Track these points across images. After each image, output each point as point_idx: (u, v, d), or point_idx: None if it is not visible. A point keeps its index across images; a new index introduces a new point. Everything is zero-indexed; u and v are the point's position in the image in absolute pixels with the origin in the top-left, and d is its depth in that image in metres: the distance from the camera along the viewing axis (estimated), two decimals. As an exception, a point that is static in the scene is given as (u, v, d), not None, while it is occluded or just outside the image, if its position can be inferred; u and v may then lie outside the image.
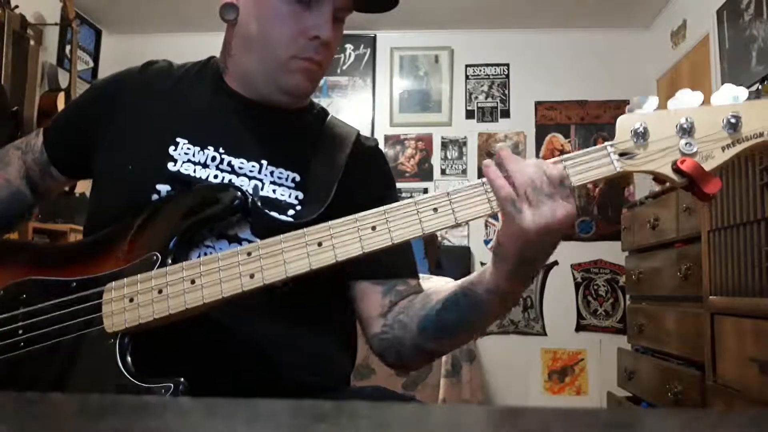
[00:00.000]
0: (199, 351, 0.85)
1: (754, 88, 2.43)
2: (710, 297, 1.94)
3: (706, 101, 0.76)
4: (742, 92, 0.75)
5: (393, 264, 0.95)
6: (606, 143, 0.76)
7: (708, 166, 0.74)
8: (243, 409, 0.35)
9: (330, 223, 0.78)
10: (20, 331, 0.85)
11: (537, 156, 3.84)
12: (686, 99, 0.77)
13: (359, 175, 0.98)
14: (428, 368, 2.48)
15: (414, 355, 0.92)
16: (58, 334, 0.83)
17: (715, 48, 2.96)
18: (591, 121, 3.86)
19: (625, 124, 0.76)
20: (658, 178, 0.76)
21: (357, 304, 0.97)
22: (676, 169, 0.74)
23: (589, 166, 0.76)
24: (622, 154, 0.76)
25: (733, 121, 0.74)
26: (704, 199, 0.75)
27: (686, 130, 0.74)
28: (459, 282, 0.86)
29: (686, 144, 0.74)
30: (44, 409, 0.35)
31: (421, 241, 3.19)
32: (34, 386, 0.83)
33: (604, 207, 3.76)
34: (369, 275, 0.95)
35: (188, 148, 0.93)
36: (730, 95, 0.75)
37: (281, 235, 0.78)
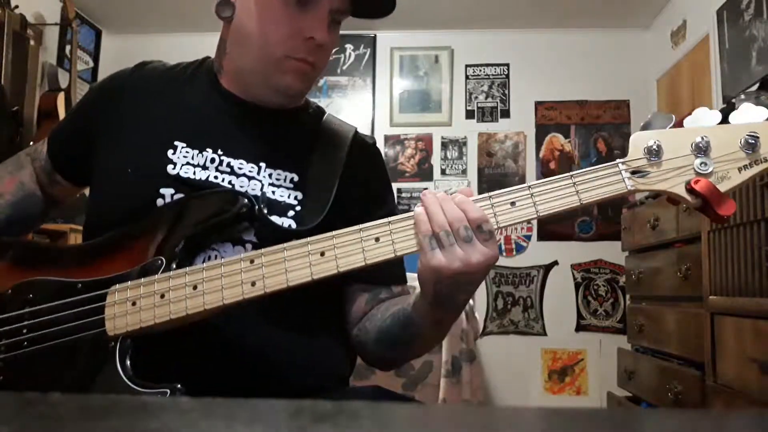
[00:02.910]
0: (198, 353, 0.86)
1: (753, 88, 2.43)
2: (710, 297, 1.94)
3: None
4: (762, 111, 0.72)
5: (383, 272, 0.95)
6: (618, 160, 0.74)
7: (723, 188, 0.71)
8: (243, 410, 0.35)
9: (333, 233, 0.78)
10: (24, 330, 0.85)
11: (537, 156, 3.84)
12: (703, 117, 0.74)
13: (358, 175, 0.98)
14: (428, 368, 2.48)
15: (378, 361, 0.96)
16: (60, 334, 0.83)
17: (715, 48, 2.96)
18: (591, 121, 3.86)
19: (638, 141, 0.74)
20: (671, 197, 0.74)
21: (344, 305, 0.99)
22: (690, 190, 0.71)
23: (600, 183, 0.74)
24: (634, 172, 0.73)
25: (751, 141, 0.71)
26: (717, 221, 0.73)
27: (702, 149, 0.72)
28: (411, 296, 0.88)
29: (701, 163, 0.71)
30: (44, 409, 0.35)
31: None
32: (35, 386, 0.83)
33: (604, 207, 3.76)
34: (359, 280, 0.96)
35: (187, 151, 0.93)
36: (748, 114, 0.73)
37: (285, 244, 0.78)
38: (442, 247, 0.72)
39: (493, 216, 0.75)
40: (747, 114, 0.73)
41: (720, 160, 0.72)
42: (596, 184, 0.74)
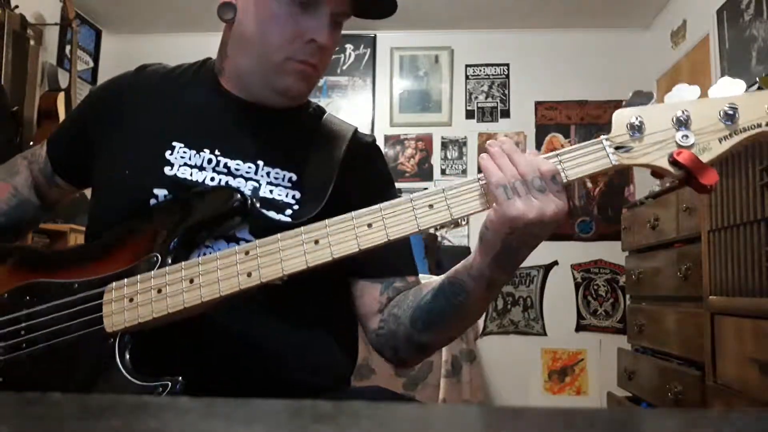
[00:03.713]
0: (198, 351, 0.86)
1: (754, 88, 2.43)
2: (710, 297, 1.94)
3: (703, 95, 0.76)
4: (740, 84, 0.74)
5: (393, 262, 0.96)
6: (602, 137, 0.76)
7: (705, 158, 0.73)
8: (242, 409, 0.35)
9: (327, 221, 0.78)
10: (23, 332, 0.86)
11: (537, 156, 3.84)
12: (683, 93, 0.76)
13: (356, 173, 0.98)
14: (428, 368, 2.48)
15: (408, 349, 0.92)
16: (59, 334, 0.84)
17: (715, 48, 2.96)
18: (591, 121, 3.86)
19: (620, 118, 0.76)
20: (656, 171, 0.75)
21: (356, 302, 0.98)
22: (673, 162, 0.73)
23: (585, 159, 0.76)
24: (618, 148, 0.75)
25: (730, 112, 0.73)
26: (702, 191, 0.74)
27: (683, 122, 0.74)
28: (448, 272, 0.87)
29: (683, 136, 0.73)
30: (44, 409, 0.35)
31: (422, 242, 3.19)
32: (36, 386, 0.84)
33: (604, 207, 3.76)
34: (368, 273, 0.96)
35: (184, 152, 0.93)
36: (727, 88, 0.74)
37: (279, 234, 0.79)
38: (519, 195, 0.72)
39: (484, 195, 0.77)
40: (725, 87, 0.75)
41: (701, 132, 0.73)
42: (581, 160, 0.76)
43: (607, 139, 0.76)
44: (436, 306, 0.86)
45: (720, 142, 0.73)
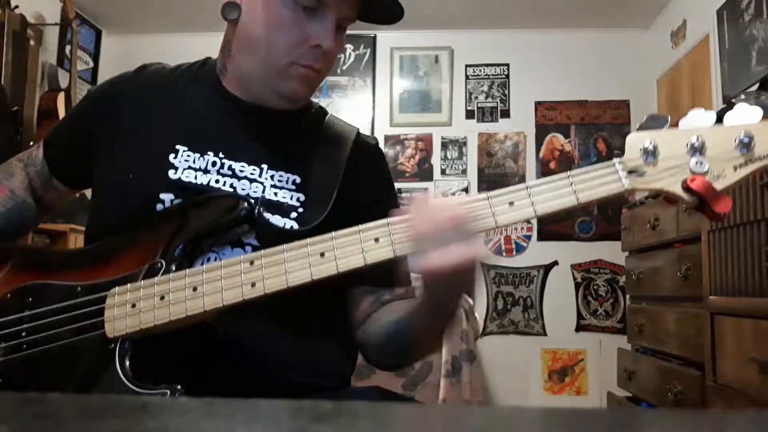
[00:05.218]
0: (198, 352, 0.85)
1: (753, 88, 2.42)
2: (710, 297, 1.94)
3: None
4: (756, 111, 0.74)
5: (387, 273, 0.96)
6: (615, 160, 0.75)
7: (719, 186, 0.72)
8: (242, 409, 0.35)
9: (333, 233, 0.78)
10: (24, 334, 0.85)
11: (537, 156, 3.84)
12: (698, 118, 0.75)
13: (360, 175, 0.98)
14: (428, 368, 2.48)
15: (379, 363, 0.98)
16: (60, 337, 0.83)
17: (715, 48, 2.96)
18: (591, 121, 3.86)
19: (634, 142, 0.75)
20: (668, 196, 0.75)
21: (351, 309, 0.99)
22: (686, 188, 0.72)
23: (597, 182, 0.75)
24: (630, 172, 0.74)
25: (745, 140, 0.72)
26: (714, 219, 0.74)
27: (697, 149, 0.73)
28: (411, 302, 0.90)
29: (697, 163, 0.72)
30: (44, 409, 0.35)
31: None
32: (34, 388, 0.83)
33: (604, 207, 3.76)
34: (363, 282, 0.96)
35: (188, 155, 0.93)
36: (743, 115, 0.74)
37: (284, 245, 0.78)
38: (431, 249, 0.72)
39: (492, 216, 0.75)
40: (742, 114, 0.74)
41: (715, 159, 0.73)
42: (594, 183, 0.75)
43: (620, 162, 0.75)
44: (397, 340, 0.90)
45: (735, 170, 0.72)
